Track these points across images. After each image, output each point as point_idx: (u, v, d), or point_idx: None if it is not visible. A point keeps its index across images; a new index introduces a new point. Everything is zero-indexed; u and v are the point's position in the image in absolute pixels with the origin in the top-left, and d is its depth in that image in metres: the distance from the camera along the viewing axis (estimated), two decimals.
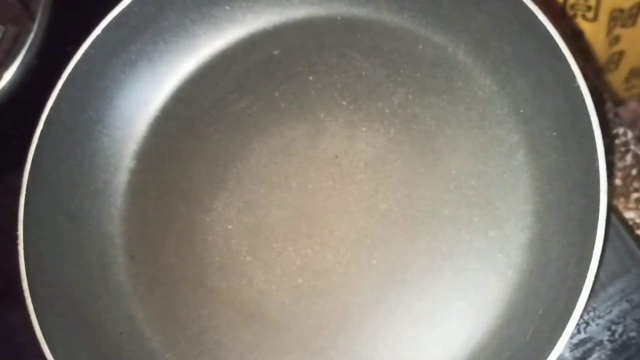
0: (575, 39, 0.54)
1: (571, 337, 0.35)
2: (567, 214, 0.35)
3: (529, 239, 0.36)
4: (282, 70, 0.41)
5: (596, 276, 0.31)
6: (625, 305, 0.38)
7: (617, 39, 0.55)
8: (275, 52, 0.42)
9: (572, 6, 0.52)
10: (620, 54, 0.56)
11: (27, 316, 0.35)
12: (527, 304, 0.35)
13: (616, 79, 0.59)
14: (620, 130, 0.43)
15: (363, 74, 0.40)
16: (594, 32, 0.53)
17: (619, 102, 0.62)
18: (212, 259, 0.39)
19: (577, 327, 0.38)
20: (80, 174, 0.40)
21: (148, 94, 0.42)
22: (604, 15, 0.52)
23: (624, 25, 0.53)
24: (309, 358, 0.37)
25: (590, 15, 0.52)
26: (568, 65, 0.34)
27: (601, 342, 0.38)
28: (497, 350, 0.35)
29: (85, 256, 0.39)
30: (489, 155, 0.38)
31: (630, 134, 0.42)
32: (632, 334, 0.38)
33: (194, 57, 0.43)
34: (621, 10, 0.52)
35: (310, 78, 0.41)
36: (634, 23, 0.53)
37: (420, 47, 0.40)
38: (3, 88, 0.46)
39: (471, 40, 0.39)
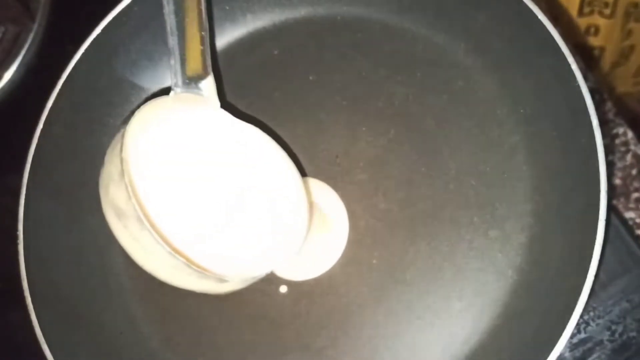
0: (589, 35, 0.53)
1: (571, 337, 0.35)
2: (567, 214, 0.35)
3: (529, 239, 0.36)
4: (282, 70, 0.41)
5: (596, 276, 0.32)
6: (625, 305, 0.38)
7: (629, 33, 0.54)
8: (275, 52, 0.42)
9: (590, 3, 0.51)
10: (631, 48, 0.56)
11: (27, 316, 0.35)
12: (527, 304, 0.35)
13: (625, 73, 0.59)
14: (620, 130, 0.43)
15: (363, 74, 0.40)
16: (610, 28, 0.53)
17: (624, 96, 0.61)
18: None
19: (577, 327, 0.38)
20: (80, 174, 0.40)
21: (148, 94, 0.42)
22: (620, 11, 0.52)
23: (637, 20, 0.53)
24: (309, 358, 0.37)
25: (607, 11, 0.52)
26: (568, 65, 0.34)
27: (601, 342, 0.38)
28: (497, 350, 0.35)
29: (85, 256, 0.39)
30: (489, 155, 0.38)
31: (630, 134, 0.42)
32: (632, 333, 0.38)
33: None
34: (635, 5, 0.52)
35: (310, 78, 0.41)
36: None
37: (420, 47, 0.40)
38: (3, 88, 0.46)
39: (471, 40, 0.39)
